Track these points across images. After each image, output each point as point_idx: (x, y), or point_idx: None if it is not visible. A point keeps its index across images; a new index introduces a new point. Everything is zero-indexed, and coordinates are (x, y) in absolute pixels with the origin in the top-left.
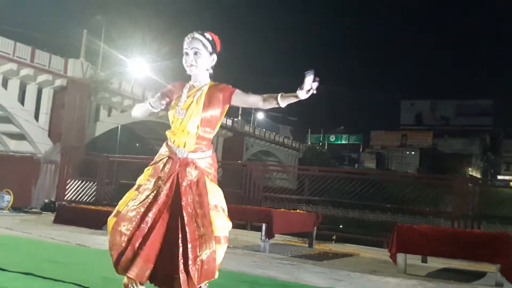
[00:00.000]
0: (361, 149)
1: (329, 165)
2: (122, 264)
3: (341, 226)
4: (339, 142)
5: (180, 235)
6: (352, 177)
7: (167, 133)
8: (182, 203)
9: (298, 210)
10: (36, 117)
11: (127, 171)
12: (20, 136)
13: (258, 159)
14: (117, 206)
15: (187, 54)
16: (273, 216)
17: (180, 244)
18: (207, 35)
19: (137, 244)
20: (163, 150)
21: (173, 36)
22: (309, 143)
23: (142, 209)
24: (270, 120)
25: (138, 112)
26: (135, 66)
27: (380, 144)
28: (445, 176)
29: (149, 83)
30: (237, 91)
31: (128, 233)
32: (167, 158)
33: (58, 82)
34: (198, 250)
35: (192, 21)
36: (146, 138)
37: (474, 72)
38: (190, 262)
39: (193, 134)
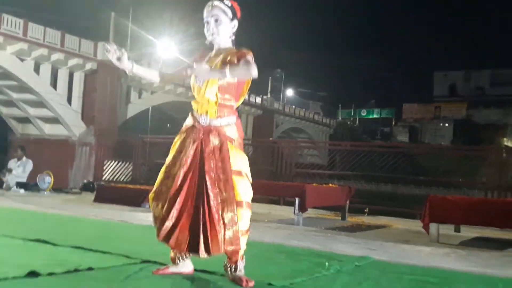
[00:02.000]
0: (393, 123)
1: (360, 140)
2: (161, 235)
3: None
4: (370, 117)
5: (204, 200)
6: (384, 151)
7: (192, 103)
8: (205, 168)
9: (330, 185)
10: (69, 100)
11: (159, 151)
12: (54, 120)
13: (288, 136)
14: (155, 183)
15: (207, 23)
16: (306, 191)
17: (205, 208)
18: (226, 1)
19: (171, 214)
20: (188, 121)
21: (200, 17)
22: (340, 119)
23: (173, 181)
24: (299, 96)
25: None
26: (163, 47)
27: (413, 117)
28: (480, 147)
29: (177, 64)
30: (249, 55)
31: (164, 205)
32: (191, 127)
33: (89, 66)
34: (220, 213)
35: None
36: (177, 118)
37: (509, 40)
38: (215, 224)
39: (212, 102)
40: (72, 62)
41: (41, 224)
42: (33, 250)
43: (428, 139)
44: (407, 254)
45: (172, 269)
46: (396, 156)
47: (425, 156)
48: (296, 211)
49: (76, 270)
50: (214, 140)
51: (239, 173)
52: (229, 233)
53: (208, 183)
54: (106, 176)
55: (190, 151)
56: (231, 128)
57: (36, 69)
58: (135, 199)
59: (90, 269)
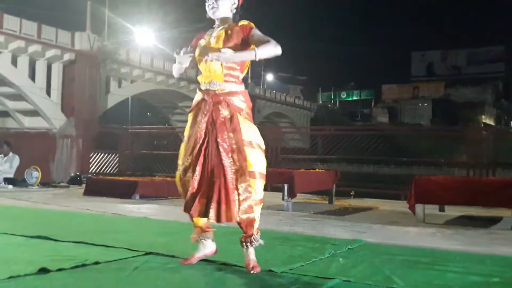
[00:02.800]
0: (373, 104)
1: (341, 122)
2: (187, 206)
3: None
4: (350, 99)
5: (219, 170)
6: (367, 134)
7: (198, 78)
8: (218, 140)
9: (317, 170)
10: (48, 92)
11: (144, 142)
12: (34, 113)
13: (270, 121)
14: (178, 161)
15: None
16: (294, 177)
17: (220, 177)
18: None
19: (195, 186)
20: (196, 96)
21: (179, 4)
22: (321, 102)
23: (192, 157)
24: (279, 81)
25: (175, 72)
26: (141, 35)
27: (392, 97)
28: (458, 127)
29: (157, 52)
30: (255, 30)
31: (189, 180)
32: (200, 100)
33: (67, 57)
34: (235, 183)
35: None
36: (157, 107)
37: (485, 19)
38: (229, 192)
39: (219, 73)
40: (50, 53)
41: (38, 220)
42: (37, 246)
43: (407, 119)
44: (396, 235)
45: (198, 254)
46: (378, 138)
47: (406, 136)
48: (285, 197)
49: (83, 265)
50: (224, 111)
51: (250, 144)
52: (243, 203)
53: (223, 153)
54: (92, 168)
55: (202, 124)
56: (239, 98)
57: (14, 62)
58: (125, 191)
59: (96, 263)
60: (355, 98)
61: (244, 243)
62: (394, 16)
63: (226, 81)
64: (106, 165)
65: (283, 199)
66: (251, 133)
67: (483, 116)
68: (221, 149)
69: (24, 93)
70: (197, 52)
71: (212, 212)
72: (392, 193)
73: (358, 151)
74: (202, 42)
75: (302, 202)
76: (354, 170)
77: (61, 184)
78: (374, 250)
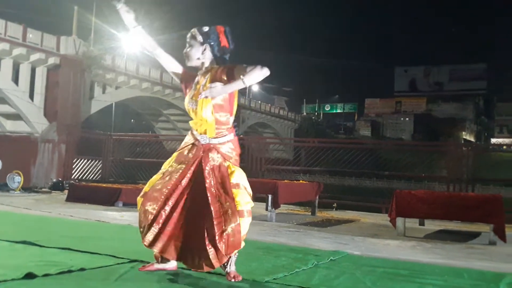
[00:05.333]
0: (356, 118)
1: (325, 134)
2: (148, 239)
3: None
4: (334, 111)
5: (205, 214)
6: (349, 147)
7: (190, 123)
8: (206, 185)
9: (301, 181)
10: (31, 96)
11: (127, 149)
12: (16, 116)
13: (254, 131)
14: (144, 187)
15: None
16: (278, 187)
17: (206, 222)
18: (204, 27)
19: (161, 222)
20: (188, 138)
21: (165, 11)
22: (305, 113)
23: (166, 191)
24: (265, 91)
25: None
26: (128, 41)
27: (374, 111)
28: (439, 143)
29: (142, 58)
30: (238, 66)
31: (154, 211)
32: (191, 145)
33: (51, 61)
34: (223, 225)
35: None
36: (141, 113)
37: (467, 37)
38: (217, 237)
39: (210, 121)
40: (34, 56)
41: (21, 225)
42: (22, 251)
43: (389, 133)
44: (376, 248)
45: (157, 265)
46: (361, 152)
47: (387, 150)
48: (269, 208)
49: (69, 271)
50: (213, 159)
51: (237, 185)
52: (232, 240)
53: (210, 199)
54: (74, 174)
55: (190, 168)
56: (228, 146)
57: None
58: (108, 198)
59: (82, 269)
60: (338, 111)
61: (223, 264)
62: (379, 32)
63: (217, 134)
64: (89, 171)
65: (266, 209)
66: (238, 177)
67: (463, 132)
68: (209, 195)
69: (7, 96)
70: (186, 100)
71: (197, 261)
72: (373, 206)
73: (340, 163)
74: (191, 93)
75: (285, 213)
76: (337, 182)
77: (43, 189)
78: (355, 262)
